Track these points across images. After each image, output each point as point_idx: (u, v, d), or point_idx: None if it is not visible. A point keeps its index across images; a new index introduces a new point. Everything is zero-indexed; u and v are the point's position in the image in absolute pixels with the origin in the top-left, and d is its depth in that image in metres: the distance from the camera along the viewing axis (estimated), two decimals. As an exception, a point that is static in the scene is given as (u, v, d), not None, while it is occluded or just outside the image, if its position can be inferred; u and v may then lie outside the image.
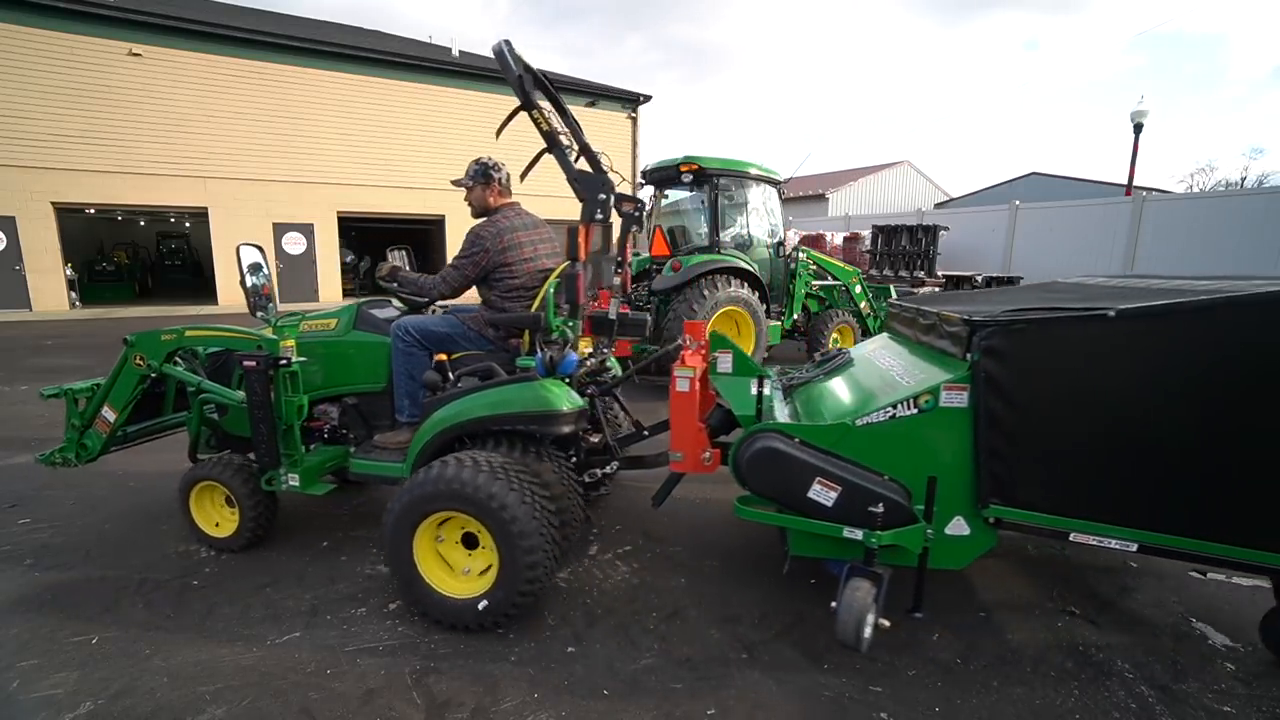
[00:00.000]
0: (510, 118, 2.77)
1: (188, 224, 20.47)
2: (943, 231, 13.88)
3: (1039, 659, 2.33)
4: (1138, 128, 13.77)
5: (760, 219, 7.53)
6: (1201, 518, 2.17)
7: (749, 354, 3.07)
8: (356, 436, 3.21)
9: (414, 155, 16.92)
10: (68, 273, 14.60)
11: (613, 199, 3.04)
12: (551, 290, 2.69)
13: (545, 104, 2.94)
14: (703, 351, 2.99)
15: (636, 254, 7.66)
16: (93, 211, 15.56)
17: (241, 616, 2.57)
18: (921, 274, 13.22)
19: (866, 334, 7.84)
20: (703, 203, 7.02)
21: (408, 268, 3.32)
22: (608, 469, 3.00)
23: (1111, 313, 2.12)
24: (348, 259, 18.04)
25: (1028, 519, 2.29)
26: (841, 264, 8.54)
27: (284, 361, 2.80)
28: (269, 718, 2.02)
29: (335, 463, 3.11)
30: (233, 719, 2.02)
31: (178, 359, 3.22)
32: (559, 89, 3.19)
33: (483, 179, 3.05)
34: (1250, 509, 2.14)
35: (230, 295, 15.34)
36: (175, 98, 14.50)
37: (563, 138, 2.62)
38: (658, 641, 2.43)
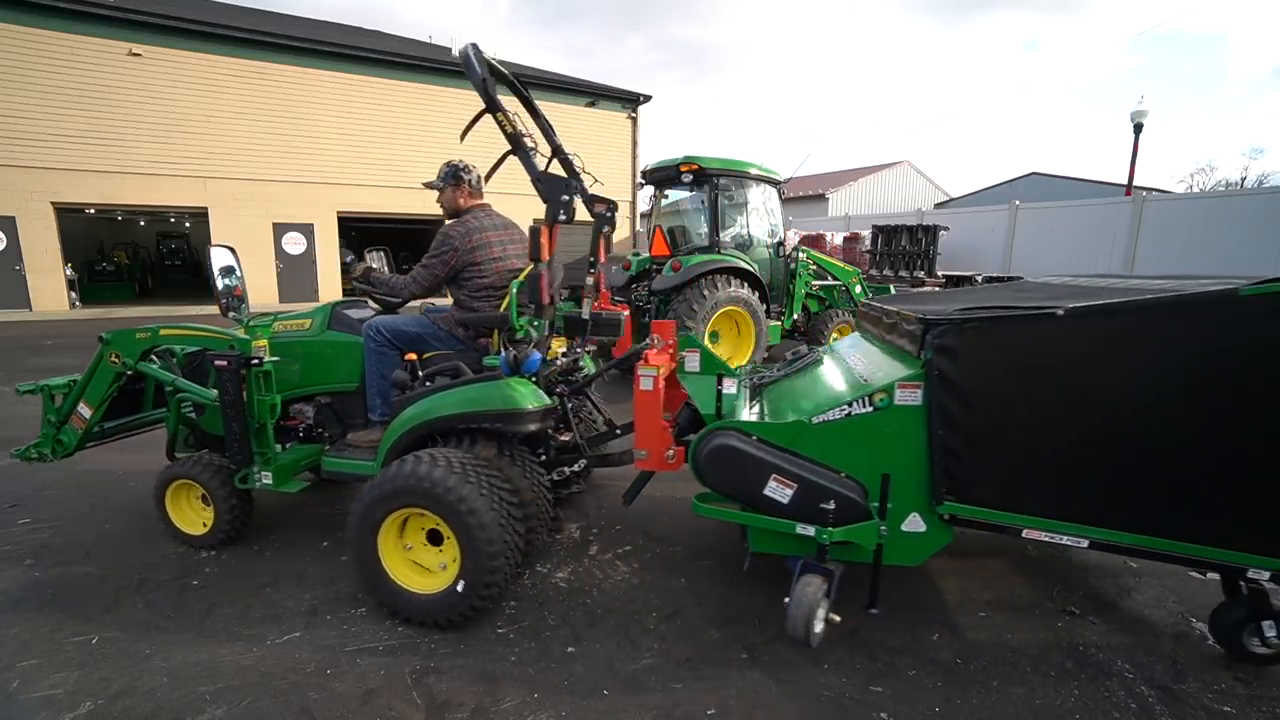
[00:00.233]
0: (475, 120, 2.83)
1: (188, 224, 20.47)
2: (943, 231, 13.89)
3: (1039, 659, 2.33)
4: (1138, 128, 13.78)
5: (760, 219, 7.53)
6: (1150, 514, 2.21)
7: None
8: (331, 435, 3.25)
9: (414, 155, 16.90)
10: (68, 273, 14.59)
11: (584, 199, 3.10)
12: (515, 290, 2.73)
13: (519, 105, 2.99)
14: (670, 351, 3.02)
15: (636, 254, 7.66)
16: (93, 211, 15.56)
17: (241, 616, 2.57)
18: (921, 274, 13.23)
19: (866, 334, 7.83)
20: (703, 203, 7.02)
21: (385, 269, 3.36)
22: (576, 467, 3.03)
23: (1060, 311, 2.15)
24: (348, 259, 17.92)
25: (981, 515, 2.32)
26: (841, 264, 8.54)
27: (256, 361, 2.84)
28: (269, 718, 2.02)
29: (309, 461, 3.15)
30: (233, 719, 2.02)
31: (153, 357, 3.25)
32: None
33: (453, 181, 3.10)
34: (1197, 505, 2.17)
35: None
36: (175, 98, 14.49)
37: (527, 140, 2.67)
38: (658, 641, 2.43)
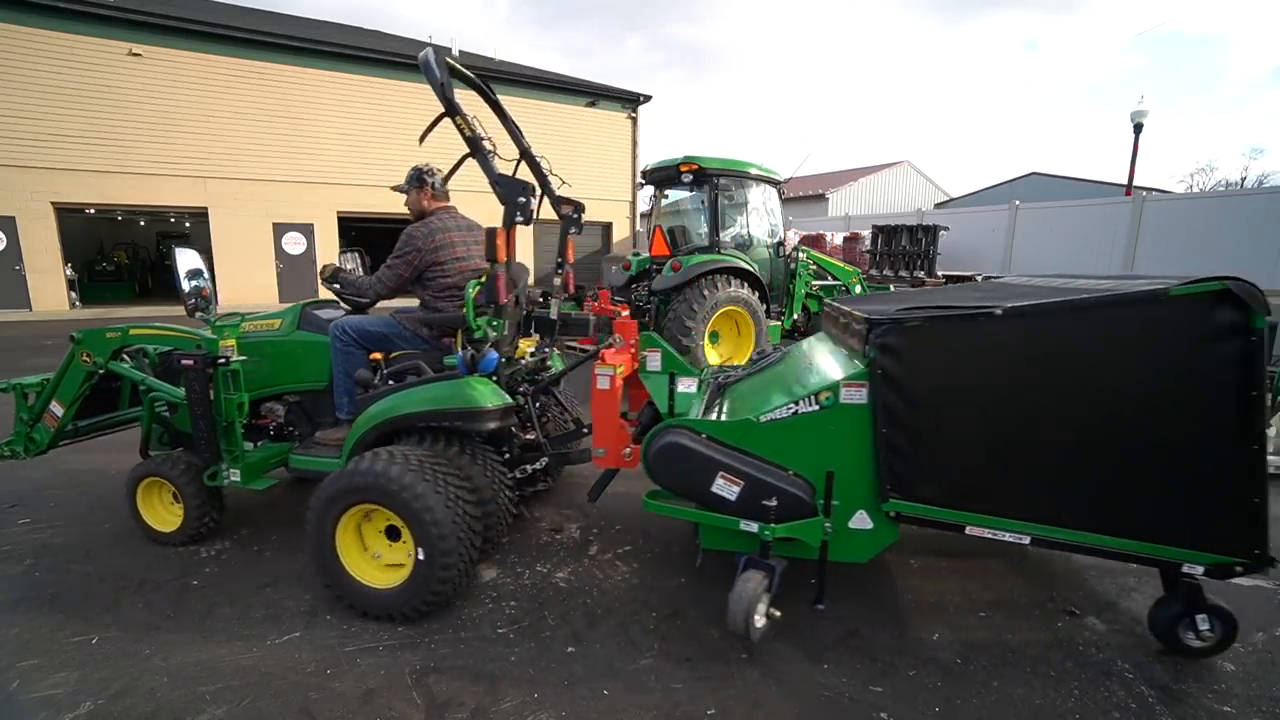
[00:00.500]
0: (434, 124, 2.90)
1: (188, 224, 20.45)
2: (943, 231, 13.88)
3: (1039, 659, 2.33)
4: (1138, 128, 13.77)
5: (760, 219, 7.54)
6: (1088, 510, 2.24)
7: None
8: (301, 433, 3.30)
9: (414, 155, 16.84)
10: (68, 273, 14.60)
11: (551, 201, 3.22)
12: (471, 291, 2.78)
13: (501, 107, 3.14)
14: (632, 350, 3.06)
15: (636, 254, 7.67)
16: (93, 211, 15.55)
17: (241, 616, 2.57)
18: (921, 274, 13.22)
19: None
20: (703, 203, 7.03)
21: (359, 270, 3.42)
22: (538, 465, 3.07)
23: (998, 311, 2.18)
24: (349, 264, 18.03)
25: (925, 513, 2.35)
26: (841, 264, 8.55)
27: (223, 360, 2.89)
28: (269, 718, 2.02)
29: (279, 459, 3.21)
30: (233, 719, 2.02)
31: (125, 357, 3.30)
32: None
33: (417, 184, 3.18)
34: (1132, 501, 2.20)
35: (231, 295, 15.34)
36: (175, 98, 14.49)
37: (486, 143, 2.73)
38: (658, 641, 2.43)
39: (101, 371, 3.25)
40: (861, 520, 2.42)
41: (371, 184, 16.80)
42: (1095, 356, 2.16)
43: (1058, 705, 2.09)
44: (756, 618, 2.21)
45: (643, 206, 18.82)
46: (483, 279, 2.79)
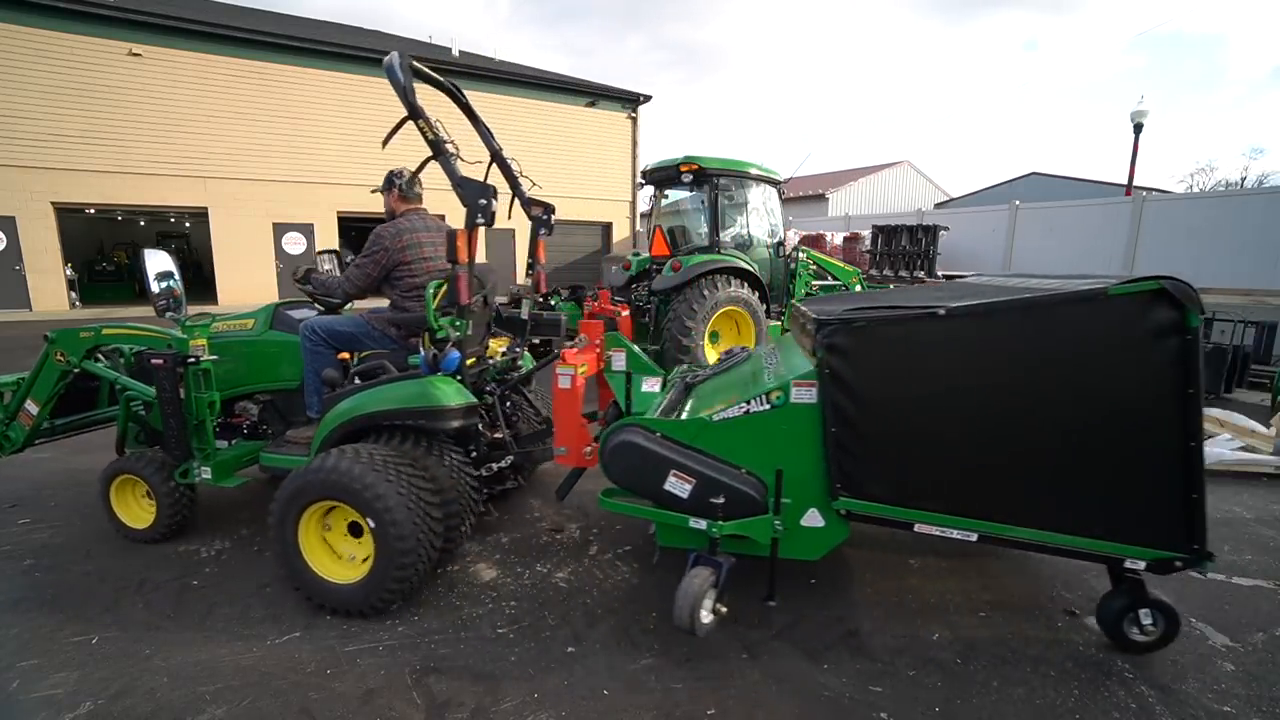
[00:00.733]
0: (397, 127, 2.93)
1: (188, 224, 20.47)
2: (943, 231, 13.88)
3: (1039, 659, 2.33)
4: (1138, 128, 13.78)
5: (760, 219, 7.53)
6: (1034, 508, 2.27)
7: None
8: (274, 432, 3.35)
9: (414, 155, 16.87)
10: (68, 273, 14.60)
11: (521, 203, 3.29)
12: (431, 291, 2.81)
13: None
14: (596, 350, 3.09)
15: (636, 254, 7.66)
16: (93, 211, 15.55)
17: (241, 616, 2.57)
18: (921, 274, 13.22)
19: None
20: (703, 203, 7.02)
21: (337, 270, 3.46)
22: (504, 463, 3.11)
23: (942, 311, 2.21)
24: (348, 259, 18.02)
25: (875, 511, 2.38)
26: (841, 264, 8.54)
27: (192, 360, 2.92)
28: (269, 718, 2.02)
29: (251, 457, 3.25)
30: (233, 719, 2.02)
31: (99, 356, 3.35)
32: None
33: (387, 187, 3.26)
34: (1075, 498, 2.23)
35: (231, 295, 15.35)
36: (175, 97, 14.50)
37: (449, 146, 2.76)
38: (658, 641, 2.43)
39: (76, 371, 3.30)
40: (813, 518, 2.46)
41: (371, 184, 16.77)
42: (1037, 355, 2.20)
43: (1058, 705, 2.09)
44: (702, 613, 2.24)
45: (643, 206, 18.82)
46: (440, 279, 2.84)
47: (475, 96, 2.99)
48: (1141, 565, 2.22)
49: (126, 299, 17.09)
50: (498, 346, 3.45)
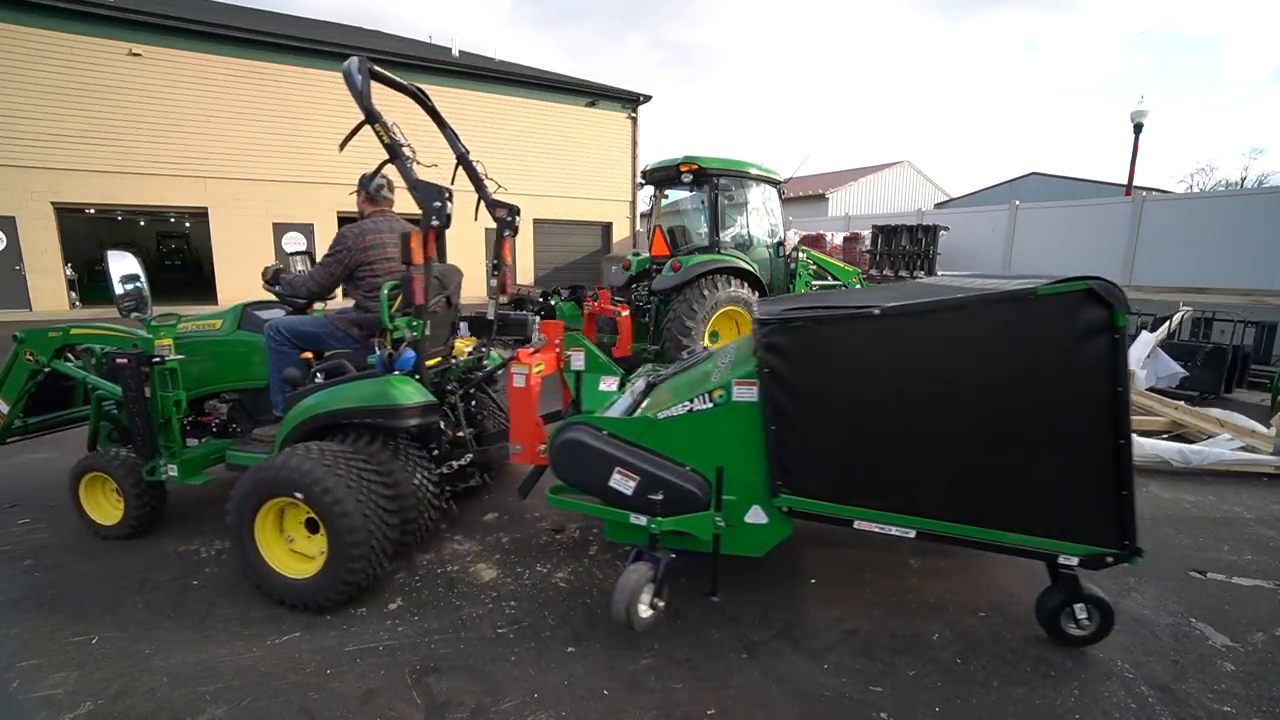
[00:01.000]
0: (354, 131, 2.98)
1: (188, 224, 20.48)
2: (943, 231, 13.88)
3: (1039, 659, 2.33)
4: (1138, 128, 13.78)
5: (760, 219, 7.53)
6: (970, 505, 2.30)
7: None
8: (243, 430, 3.40)
9: (415, 155, 16.90)
10: (68, 273, 14.59)
11: (486, 205, 3.35)
12: (385, 292, 2.87)
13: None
14: (556, 350, 3.13)
15: (636, 254, 7.67)
16: (93, 211, 15.55)
17: (241, 616, 2.57)
18: (921, 274, 13.22)
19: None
20: (703, 203, 7.02)
21: (307, 270, 3.52)
22: (463, 461, 3.14)
23: (876, 311, 2.25)
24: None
25: (815, 508, 2.42)
26: (841, 264, 8.54)
27: (158, 359, 2.97)
28: (269, 718, 2.02)
29: (218, 454, 3.30)
30: (233, 719, 2.02)
31: (69, 355, 3.40)
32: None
33: (359, 190, 3.33)
34: (1008, 494, 2.27)
35: (231, 295, 15.34)
36: (175, 97, 14.49)
37: (406, 149, 2.81)
38: (658, 641, 2.43)
39: (47, 370, 3.36)
40: (756, 515, 2.50)
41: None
42: (970, 355, 2.23)
43: (1058, 705, 2.09)
44: (640, 608, 2.29)
45: (643, 206, 18.82)
46: (395, 280, 2.89)
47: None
48: (1075, 561, 2.26)
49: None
50: (464, 346, 3.51)
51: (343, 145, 3.01)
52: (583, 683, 2.19)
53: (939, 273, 13.24)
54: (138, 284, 3.26)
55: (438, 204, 2.68)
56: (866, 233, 14.86)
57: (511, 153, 18.28)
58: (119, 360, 2.95)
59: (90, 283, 16.64)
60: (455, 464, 3.10)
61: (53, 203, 13.89)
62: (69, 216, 14.93)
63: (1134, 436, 4.55)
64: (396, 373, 2.81)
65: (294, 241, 16.26)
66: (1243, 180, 35.84)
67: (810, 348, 2.34)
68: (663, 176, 7.19)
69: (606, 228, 20.96)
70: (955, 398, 2.26)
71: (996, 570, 2.98)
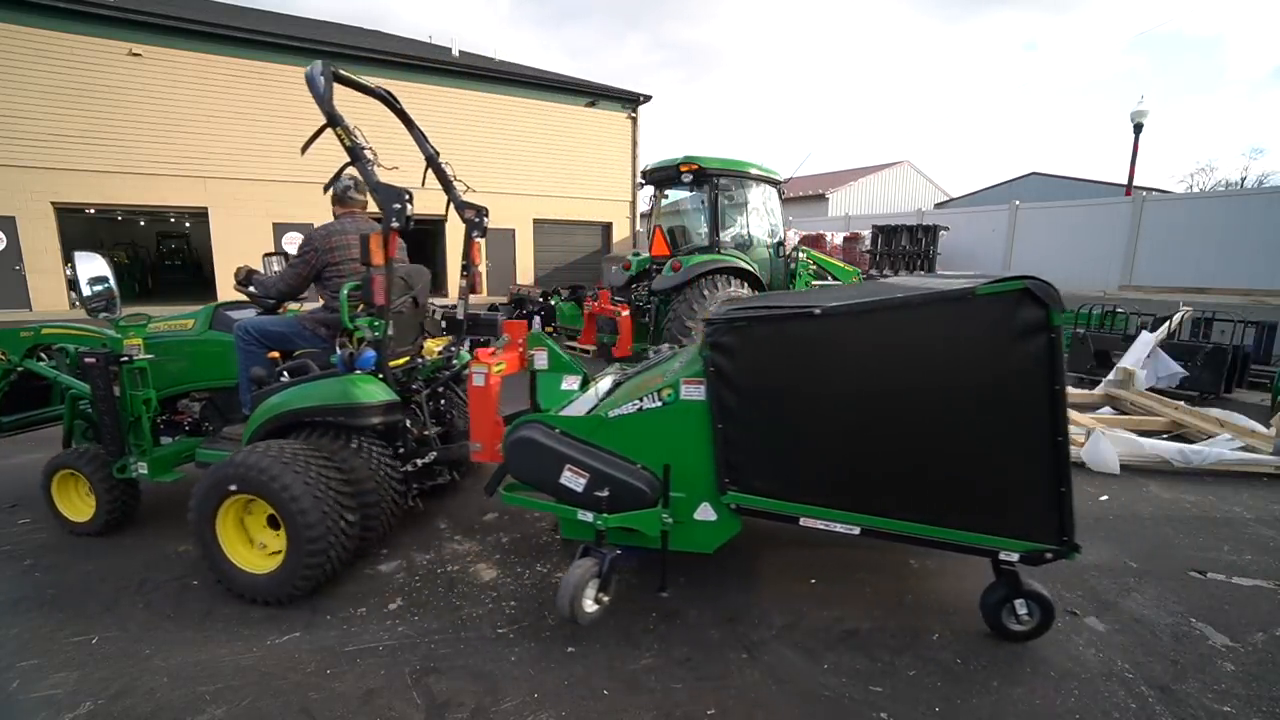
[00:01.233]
0: (316, 135, 3.04)
1: (188, 224, 20.49)
2: (943, 231, 13.90)
3: (1039, 659, 2.33)
4: (1138, 128, 13.78)
5: (760, 219, 7.54)
6: (913, 502, 2.33)
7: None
8: (215, 429, 3.46)
9: (414, 155, 16.89)
10: (67, 273, 14.57)
11: (455, 207, 3.47)
12: (345, 293, 2.92)
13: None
14: (519, 349, 3.18)
15: (636, 254, 7.67)
16: (93, 211, 15.55)
17: (241, 616, 2.57)
18: (921, 274, 13.23)
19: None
20: (703, 203, 7.03)
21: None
22: (427, 459, 3.18)
23: (817, 310, 2.27)
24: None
25: (761, 505, 2.46)
26: (841, 264, 8.55)
27: (125, 359, 3.01)
28: (269, 718, 2.02)
29: (190, 452, 3.35)
30: (233, 719, 2.02)
31: (42, 355, 3.45)
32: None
33: (330, 191, 3.37)
34: (949, 491, 2.30)
35: (231, 295, 15.32)
36: (175, 97, 14.49)
37: (367, 152, 2.87)
38: (658, 641, 2.43)
39: (19, 369, 3.40)
40: (705, 512, 2.53)
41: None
42: (910, 354, 2.26)
43: (1057, 705, 2.09)
44: (585, 603, 2.34)
45: (643, 206, 18.82)
46: (357, 281, 2.94)
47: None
48: (1015, 557, 2.29)
49: (126, 298, 17.06)
50: (434, 346, 3.55)
51: (304, 148, 3.06)
52: (583, 683, 2.19)
53: (939, 273, 13.25)
54: (106, 285, 3.32)
55: (397, 206, 2.73)
56: (866, 233, 14.87)
57: (511, 153, 18.30)
58: (87, 359, 2.99)
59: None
60: (420, 462, 3.14)
61: (53, 203, 13.89)
62: (69, 216, 14.93)
63: (1134, 436, 4.58)
64: (358, 372, 2.85)
65: (293, 242, 16.26)
66: (1243, 180, 35.88)
67: (753, 347, 2.38)
68: (663, 176, 7.19)
69: (606, 228, 20.96)
70: (896, 396, 2.30)
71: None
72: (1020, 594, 2.35)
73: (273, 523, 2.66)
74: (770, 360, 2.38)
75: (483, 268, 3.71)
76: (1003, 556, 2.30)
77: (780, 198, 7.61)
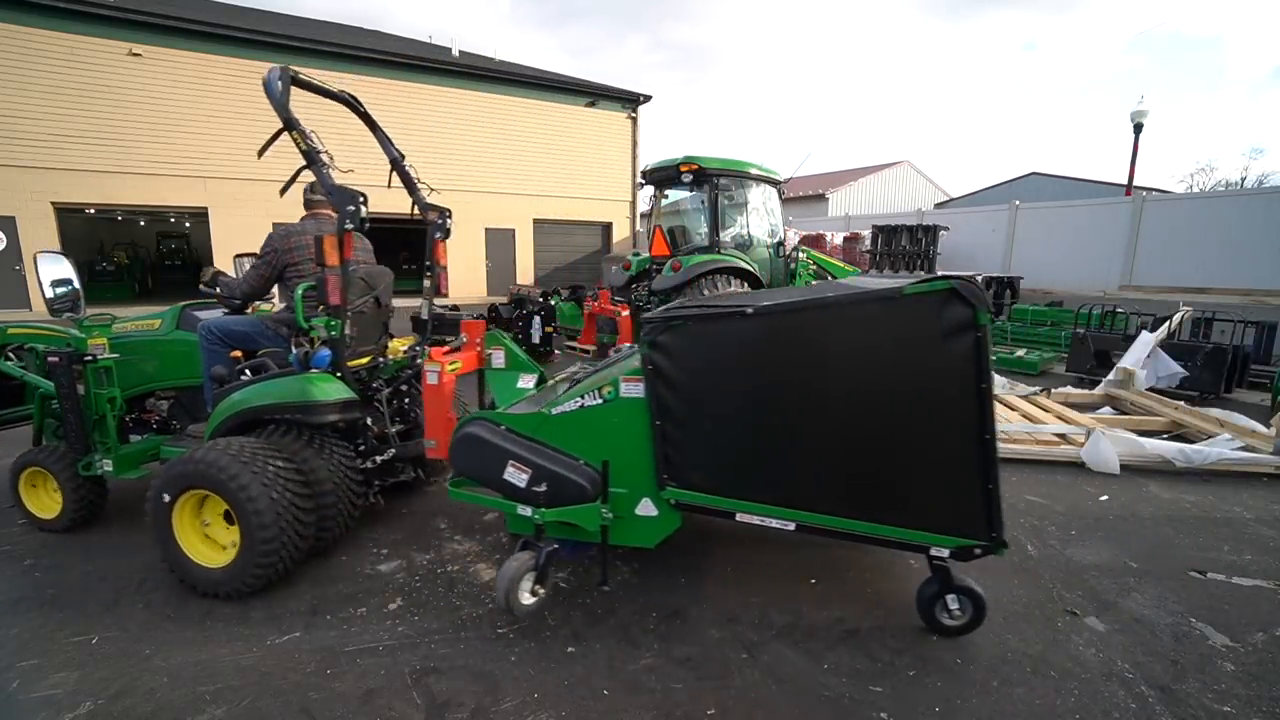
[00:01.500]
0: (273, 138, 3.11)
1: (188, 224, 20.49)
2: (943, 231, 13.89)
3: (1039, 659, 2.33)
4: (1137, 128, 13.79)
5: (760, 219, 7.53)
6: (846, 498, 2.37)
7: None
8: (182, 427, 3.53)
9: (414, 155, 16.83)
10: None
11: (419, 208, 3.58)
12: (299, 293, 2.99)
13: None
14: (476, 349, 3.25)
15: (636, 254, 7.67)
16: (93, 211, 15.57)
17: (241, 616, 2.57)
18: (921, 274, 13.23)
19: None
20: (703, 203, 7.02)
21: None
22: (385, 455, 3.23)
23: (749, 310, 2.32)
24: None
25: (699, 500, 2.51)
26: (841, 264, 8.55)
27: (89, 358, 3.06)
28: (269, 718, 2.02)
29: (156, 450, 3.41)
30: (233, 719, 2.02)
31: (10, 354, 3.50)
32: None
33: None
34: (880, 488, 2.33)
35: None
36: (175, 97, 14.50)
37: (323, 155, 2.94)
38: (658, 641, 2.43)
39: None
40: (646, 508, 2.57)
41: (372, 184, 16.82)
42: (841, 353, 2.30)
43: (1058, 705, 2.09)
44: (522, 595, 2.39)
45: (643, 206, 18.82)
46: (311, 282, 3.01)
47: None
48: (946, 553, 2.32)
49: (127, 299, 17.10)
50: (399, 346, 3.61)
51: (261, 152, 3.14)
52: (583, 683, 2.19)
53: (939, 273, 13.25)
54: (70, 287, 3.37)
55: (351, 208, 2.81)
56: (866, 233, 14.86)
57: (511, 153, 18.30)
58: (50, 358, 3.04)
59: (90, 283, 16.65)
60: (379, 459, 3.18)
61: (53, 203, 13.89)
62: (69, 216, 14.94)
63: (1134, 436, 4.58)
64: (314, 370, 2.90)
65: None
66: (1243, 180, 35.88)
67: (689, 346, 2.42)
68: (663, 176, 7.18)
69: (606, 228, 20.96)
70: (827, 394, 2.34)
71: (997, 570, 2.97)
72: (952, 589, 2.39)
73: (229, 518, 2.69)
74: (706, 359, 2.43)
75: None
76: (934, 552, 2.35)
77: (780, 198, 7.60)
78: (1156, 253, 11.88)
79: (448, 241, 3.70)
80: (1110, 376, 6.14)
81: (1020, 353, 8.24)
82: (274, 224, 3.58)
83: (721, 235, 6.97)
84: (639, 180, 8.23)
